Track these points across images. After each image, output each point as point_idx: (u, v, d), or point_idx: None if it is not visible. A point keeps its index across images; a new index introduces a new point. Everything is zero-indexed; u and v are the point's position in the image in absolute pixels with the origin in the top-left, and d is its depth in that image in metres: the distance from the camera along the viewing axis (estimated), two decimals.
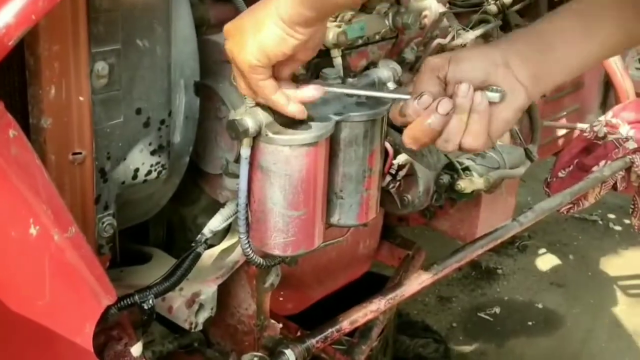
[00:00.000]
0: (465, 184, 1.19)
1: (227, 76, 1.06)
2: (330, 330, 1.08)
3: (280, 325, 1.20)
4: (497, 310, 2.49)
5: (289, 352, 1.01)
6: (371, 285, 1.73)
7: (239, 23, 0.83)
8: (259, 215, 0.88)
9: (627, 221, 2.99)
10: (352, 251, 1.72)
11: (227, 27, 0.85)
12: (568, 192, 1.48)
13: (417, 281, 1.19)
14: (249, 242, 0.91)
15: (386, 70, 0.91)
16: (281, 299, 1.47)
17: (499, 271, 2.72)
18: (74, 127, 0.91)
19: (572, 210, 1.72)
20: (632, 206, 1.89)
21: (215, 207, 1.17)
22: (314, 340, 1.05)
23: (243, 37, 0.81)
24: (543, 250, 2.85)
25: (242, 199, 0.88)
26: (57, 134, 0.90)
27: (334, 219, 0.94)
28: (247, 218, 0.90)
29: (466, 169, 1.21)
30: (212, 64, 1.05)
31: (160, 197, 1.13)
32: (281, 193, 0.86)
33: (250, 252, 0.92)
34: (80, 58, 0.89)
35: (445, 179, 1.19)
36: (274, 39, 0.78)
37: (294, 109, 0.83)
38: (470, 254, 1.26)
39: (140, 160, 0.99)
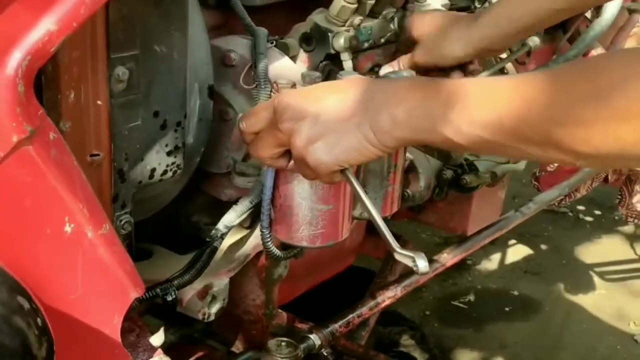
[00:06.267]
0: (470, 179, 1.23)
1: (230, 79, 1.11)
2: (351, 315, 1.14)
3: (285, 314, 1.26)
4: (472, 297, 2.52)
5: (314, 337, 1.06)
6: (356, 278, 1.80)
7: (316, 124, 0.77)
8: (285, 210, 0.91)
9: (598, 212, 3.04)
10: (340, 244, 1.78)
11: (287, 111, 0.80)
12: (566, 184, 1.55)
13: (431, 268, 1.25)
14: (270, 236, 0.95)
15: (406, 73, 0.98)
16: None
17: (469, 262, 2.73)
18: (91, 130, 0.94)
19: (563, 202, 1.80)
20: (620, 196, 1.96)
21: (210, 205, 1.21)
22: (337, 325, 1.10)
23: (321, 139, 0.77)
24: (513, 241, 2.89)
25: (267, 195, 0.92)
26: (75, 137, 0.93)
27: (357, 212, 0.98)
28: (270, 213, 0.93)
29: (471, 164, 1.26)
30: (214, 68, 1.09)
31: (167, 196, 1.17)
32: (311, 188, 0.89)
33: (270, 245, 0.97)
34: (98, 63, 0.92)
35: (449, 173, 1.23)
36: (362, 153, 0.76)
37: None
38: (477, 243, 1.32)
39: (157, 161, 1.04)
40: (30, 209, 0.83)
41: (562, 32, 1.55)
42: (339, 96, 0.78)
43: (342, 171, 0.81)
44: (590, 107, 0.60)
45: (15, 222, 0.84)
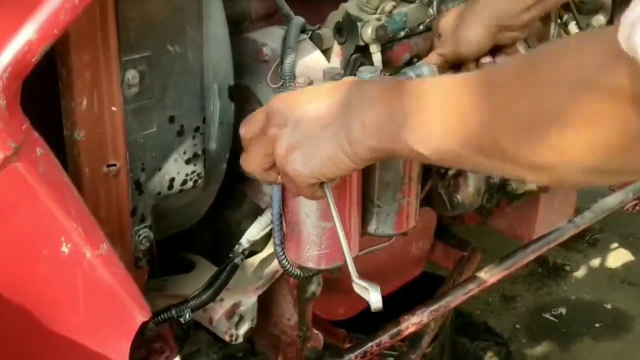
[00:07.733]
0: (516, 185, 1.14)
1: (265, 76, 1.03)
2: (369, 344, 1.04)
3: (322, 336, 1.16)
4: (563, 311, 2.39)
5: None
6: (426, 284, 1.68)
7: (295, 132, 0.71)
8: (292, 227, 0.84)
9: None
10: (404, 253, 1.66)
11: (276, 116, 0.73)
12: (630, 188, 1.38)
13: (462, 291, 1.13)
14: (284, 253, 0.87)
15: (425, 68, 0.86)
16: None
17: (567, 268, 2.59)
18: (107, 138, 0.89)
19: (637, 207, 1.62)
20: None
21: (258, 211, 1.14)
22: (352, 355, 1.00)
23: (299, 148, 0.71)
24: (615, 244, 2.69)
25: (276, 209, 0.85)
26: (90, 146, 0.88)
27: (371, 228, 0.90)
28: (281, 228, 0.86)
29: None
30: (250, 63, 1.02)
31: (200, 206, 1.10)
32: (316, 203, 0.81)
33: (285, 263, 0.88)
34: (111, 67, 0.87)
35: (496, 178, 1.14)
36: (337, 165, 0.70)
37: None
38: (520, 260, 1.19)
39: (176, 170, 0.97)
40: (25, 229, 0.78)
41: None
42: (322, 102, 0.70)
43: (321, 185, 0.74)
44: (525, 111, 0.54)
45: (11, 243, 0.79)
